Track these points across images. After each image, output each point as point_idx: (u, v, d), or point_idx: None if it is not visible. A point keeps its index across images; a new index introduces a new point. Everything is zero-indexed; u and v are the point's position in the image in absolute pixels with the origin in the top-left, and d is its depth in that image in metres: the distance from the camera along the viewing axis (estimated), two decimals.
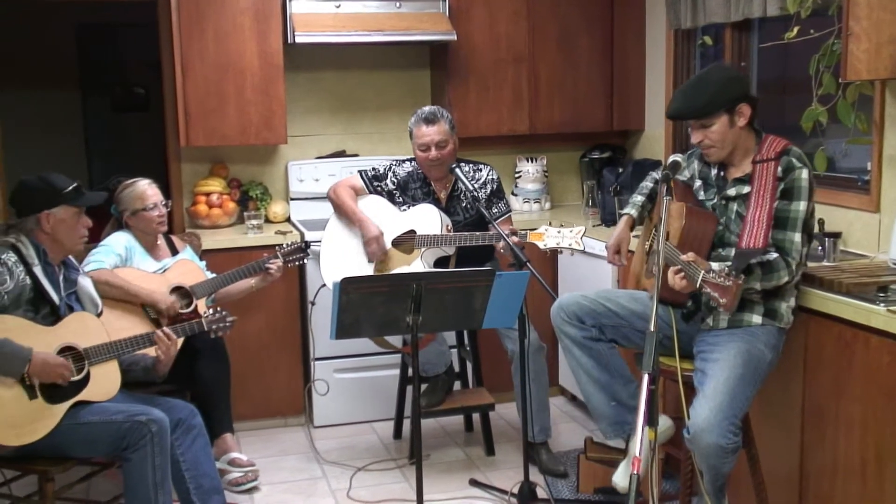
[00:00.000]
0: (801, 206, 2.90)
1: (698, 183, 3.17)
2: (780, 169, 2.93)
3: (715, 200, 3.08)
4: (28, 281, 3.01)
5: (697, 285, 2.65)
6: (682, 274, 2.75)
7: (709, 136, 2.97)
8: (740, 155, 3.03)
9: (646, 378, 2.37)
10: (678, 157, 2.91)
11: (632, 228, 3.41)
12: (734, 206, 3.03)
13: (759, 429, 3.17)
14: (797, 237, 2.89)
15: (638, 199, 3.43)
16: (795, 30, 3.48)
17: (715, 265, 2.79)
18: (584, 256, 4.20)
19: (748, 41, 4.31)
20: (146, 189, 3.82)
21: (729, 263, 2.83)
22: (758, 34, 4.27)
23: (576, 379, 3.32)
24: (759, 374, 2.92)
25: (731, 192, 3.04)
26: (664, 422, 3.22)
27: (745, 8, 3.99)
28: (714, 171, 3.11)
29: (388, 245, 3.98)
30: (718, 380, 2.84)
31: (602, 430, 3.36)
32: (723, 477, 2.89)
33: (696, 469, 2.94)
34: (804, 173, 2.91)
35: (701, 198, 3.13)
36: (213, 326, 3.39)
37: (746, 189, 2.99)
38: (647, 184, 3.47)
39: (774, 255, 2.87)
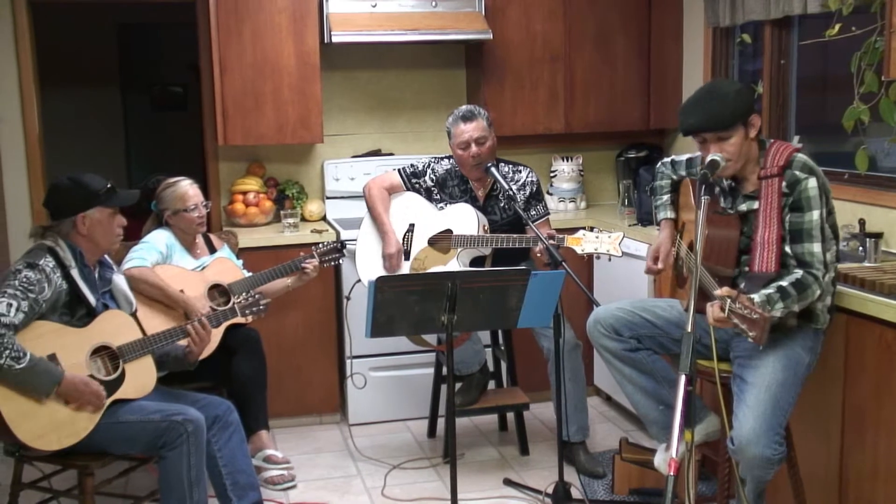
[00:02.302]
0: (815, 215, 2.83)
1: (717, 189, 3.11)
2: (784, 184, 2.86)
3: (732, 211, 3.04)
4: (65, 285, 3.02)
5: (727, 315, 2.60)
6: (720, 304, 2.64)
7: (726, 149, 2.88)
8: (749, 169, 2.96)
9: (683, 379, 2.35)
10: (717, 157, 2.88)
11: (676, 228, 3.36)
12: (749, 218, 2.97)
13: (797, 432, 3.13)
14: (816, 247, 2.82)
15: (665, 199, 3.39)
16: (837, 27, 3.43)
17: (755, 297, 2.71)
18: (621, 257, 4.16)
19: (788, 39, 4.26)
20: (188, 189, 3.86)
21: (769, 292, 2.75)
22: (798, 31, 4.22)
23: (621, 389, 3.31)
24: (799, 378, 2.88)
25: (743, 207, 2.99)
26: (712, 420, 3.20)
27: (785, 5, 3.93)
28: (725, 185, 3.06)
29: (425, 243, 3.98)
30: (760, 388, 2.81)
31: (653, 434, 3.35)
32: (763, 484, 2.86)
33: (735, 475, 2.90)
34: (811, 182, 2.84)
35: (722, 205, 3.08)
36: (247, 311, 3.41)
37: (756, 205, 2.93)
38: (664, 182, 3.41)
39: (799, 272, 2.81)
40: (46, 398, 2.90)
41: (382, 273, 2.89)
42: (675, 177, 3.39)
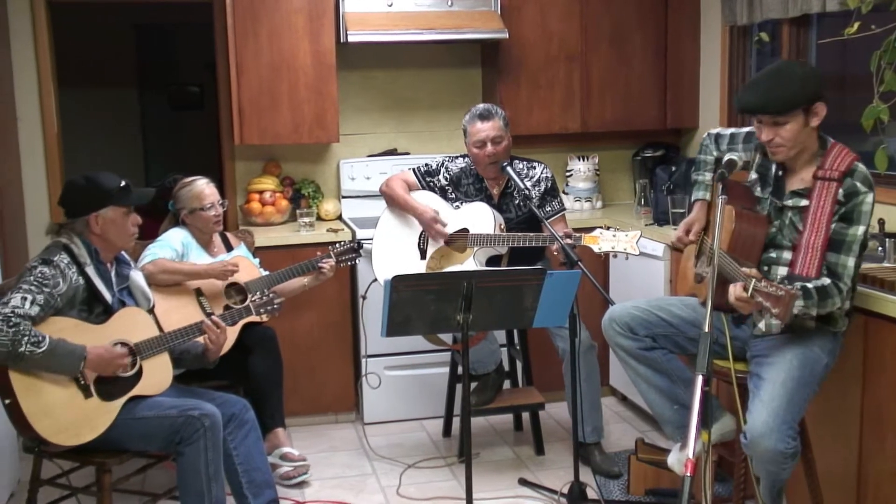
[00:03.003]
0: (860, 230, 2.79)
1: (754, 176, 3.05)
2: (841, 192, 2.80)
3: (769, 199, 2.99)
4: (81, 281, 3.05)
5: (749, 294, 2.59)
6: (742, 284, 2.63)
7: (781, 134, 2.81)
8: (804, 160, 2.90)
9: (699, 379, 2.34)
10: (734, 156, 2.86)
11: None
12: (789, 214, 2.92)
13: (815, 433, 3.11)
14: (851, 262, 2.78)
15: (707, 178, 3.27)
16: (856, 25, 3.40)
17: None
18: (637, 256, 4.15)
19: (806, 37, 4.23)
20: (204, 188, 3.88)
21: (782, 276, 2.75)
22: (816, 30, 4.19)
23: (636, 388, 3.29)
24: (816, 377, 2.86)
25: (789, 202, 2.93)
26: (728, 420, 3.18)
27: (803, 3, 3.91)
28: (773, 170, 2.99)
29: (441, 242, 3.97)
30: (775, 383, 2.79)
31: (668, 434, 3.33)
32: (780, 483, 2.84)
33: (750, 474, 2.89)
34: (868, 198, 2.78)
35: (757, 194, 3.03)
36: (261, 310, 3.42)
37: (804, 202, 2.87)
38: (708, 158, 3.30)
39: (827, 280, 2.78)
40: (71, 383, 2.93)
41: (398, 272, 2.89)
42: (716, 152, 3.28)
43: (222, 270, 3.75)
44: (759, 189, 3.03)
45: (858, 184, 2.79)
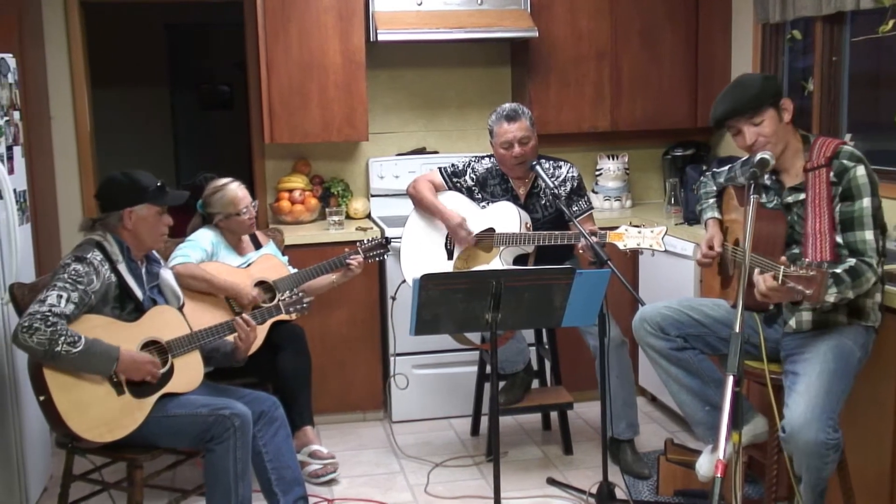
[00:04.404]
0: (865, 202, 2.82)
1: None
2: (832, 174, 2.86)
3: (774, 202, 3.02)
4: (113, 279, 3.07)
5: (780, 281, 2.57)
6: (772, 273, 2.64)
7: (761, 132, 2.92)
8: (790, 156, 2.98)
9: (730, 380, 2.32)
10: (766, 155, 2.85)
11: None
12: (794, 210, 2.97)
13: (847, 433, 3.05)
14: (868, 235, 2.80)
15: (711, 202, 3.40)
16: (891, 23, 3.37)
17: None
18: (666, 255, 4.14)
19: (840, 35, 4.18)
20: (237, 193, 3.88)
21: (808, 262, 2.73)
22: (850, 27, 4.14)
23: (667, 389, 3.28)
24: (851, 370, 2.83)
25: (789, 199, 2.98)
26: (759, 421, 3.16)
27: (837, 1, 3.87)
28: (767, 176, 3.02)
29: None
30: (811, 376, 2.76)
31: (699, 435, 3.31)
32: (823, 482, 2.77)
33: (788, 474, 2.84)
34: (859, 170, 2.83)
35: (763, 199, 3.05)
36: (290, 309, 3.44)
37: (802, 196, 2.94)
38: (710, 189, 3.42)
39: (852, 260, 2.78)
40: (105, 380, 2.96)
41: (427, 272, 2.89)
42: (716, 187, 3.41)
43: (248, 299, 3.73)
44: (763, 197, 3.06)
45: (845, 161, 2.86)
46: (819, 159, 2.89)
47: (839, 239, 2.83)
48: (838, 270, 2.72)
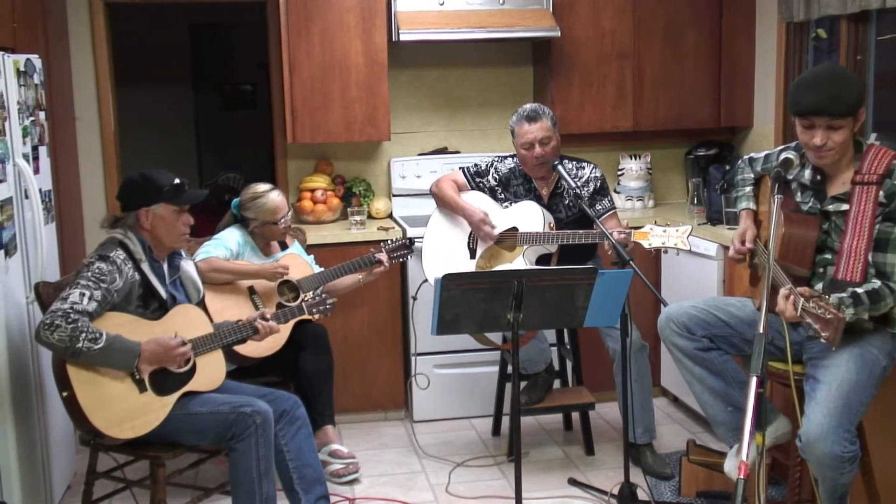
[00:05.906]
0: None
1: (794, 184, 3.01)
2: (882, 194, 2.75)
3: (811, 204, 2.94)
4: (137, 277, 3.10)
5: (798, 313, 2.54)
6: (793, 299, 2.58)
7: (833, 138, 2.76)
8: (843, 164, 2.86)
9: (753, 381, 2.30)
10: (791, 155, 2.81)
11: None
12: (833, 218, 2.88)
13: (873, 437, 3.04)
14: None
15: (748, 190, 3.27)
16: None
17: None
18: (689, 256, 4.11)
19: (865, 34, 4.14)
20: (278, 202, 3.88)
21: (842, 295, 2.67)
22: (875, 26, 4.10)
23: (690, 389, 3.25)
24: (874, 380, 2.79)
25: (830, 207, 2.89)
26: (782, 422, 3.13)
27: None
28: (809, 174, 2.94)
29: (490, 241, 3.97)
30: (831, 385, 2.73)
31: (721, 436, 3.29)
32: (842, 488, 2.75)
33: (810, 477, 2.82)
34: None
35: (798, 199, 2.99)
36: (314, 310, 3.45)
37: (844, 207, 2.83)
38: (746, 176, 3.31)
39: (877, 283, 2.72)
40: (127, 377, 2.98)
41: (449, 271, 2.89)
42: (753, 174, 3.29)
43: (273, 272, 3.78)
44: (799, 195, 3.00)
45: None
46: (870, 174, 2.76)
47: (869, 256, 2.75)
48: (860, 291, 2.68)
